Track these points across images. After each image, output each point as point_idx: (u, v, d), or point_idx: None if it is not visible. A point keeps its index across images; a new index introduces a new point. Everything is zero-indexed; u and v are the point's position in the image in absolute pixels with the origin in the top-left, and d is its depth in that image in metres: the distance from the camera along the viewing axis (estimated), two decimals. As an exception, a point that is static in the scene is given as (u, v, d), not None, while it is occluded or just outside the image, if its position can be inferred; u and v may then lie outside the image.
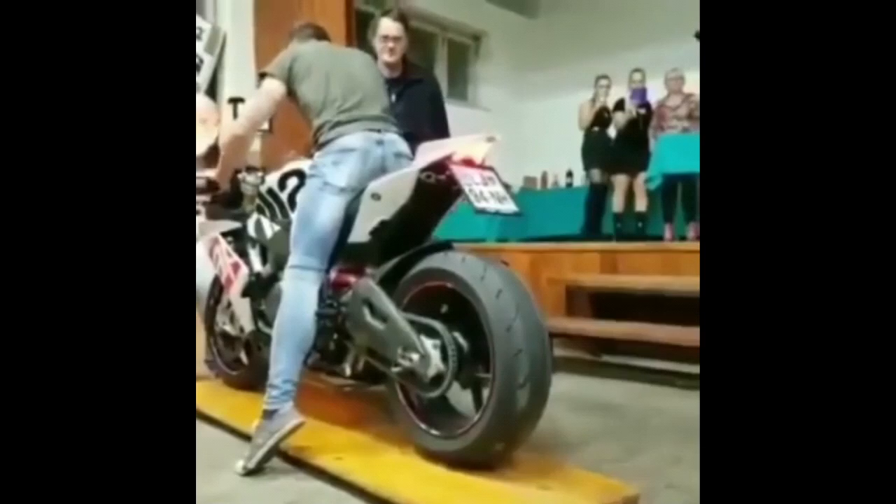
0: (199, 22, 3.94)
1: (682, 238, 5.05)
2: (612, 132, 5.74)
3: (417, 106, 2.55)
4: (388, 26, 2.69)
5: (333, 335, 2.03)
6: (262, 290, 2.32)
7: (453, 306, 1.82)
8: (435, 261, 1.85)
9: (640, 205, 5.52)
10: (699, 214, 5.15)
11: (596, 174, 5.76)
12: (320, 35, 2.39)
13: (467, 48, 8.50)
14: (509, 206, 1.80)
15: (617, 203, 5.61)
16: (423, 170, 1.84)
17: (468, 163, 1.84)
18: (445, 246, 1.90)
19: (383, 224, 1.94)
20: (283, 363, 1.96)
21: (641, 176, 5.38)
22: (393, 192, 1.90)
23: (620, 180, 5.57)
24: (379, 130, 2.07)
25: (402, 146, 2.11)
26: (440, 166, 1.83)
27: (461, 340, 1.79)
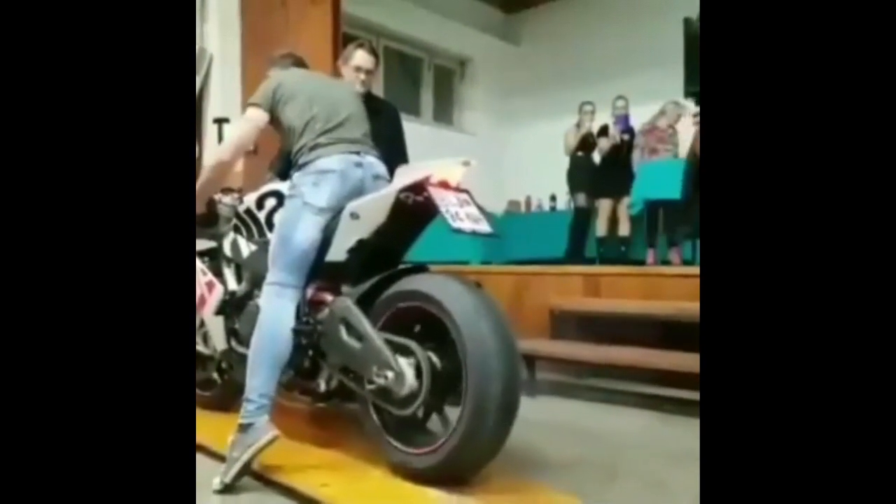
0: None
1: (665, 262, 5.09)
2: (596, 157, 5.80)
3: (385, 130, 2.68)
4: (363, 58, 2.79)
5: (308, 352, 2.05)
6: (236, 308, 2.32)
7: (426, 326, 1.85)
8: (411, 282, 1.90)
9: (623, 229, 5.56)
10: (683, 238, 5.22)
11: (581, 198, 5.81)
12: (299, 63, 2.43)
13: (453, 73, 8.60)
14: (484, 227, 1.85)
15: (600, 227, 5.65)
16: (402, 190, 1.88)
17: (444, 185, 1.88)
18: (421, 269, 1.97)
19: (361, 243, 1.97)
20: (260, 378, 1.96)
21: (625, 201, 5.43)
22: (372, 211, 1.94)
23: (604, 205, 5.62)
24: (358, 153, 2.10)
25: (381, 169, 2.14)
26: (418, 188, 1.87)
27: (434, 359, 1.81)
